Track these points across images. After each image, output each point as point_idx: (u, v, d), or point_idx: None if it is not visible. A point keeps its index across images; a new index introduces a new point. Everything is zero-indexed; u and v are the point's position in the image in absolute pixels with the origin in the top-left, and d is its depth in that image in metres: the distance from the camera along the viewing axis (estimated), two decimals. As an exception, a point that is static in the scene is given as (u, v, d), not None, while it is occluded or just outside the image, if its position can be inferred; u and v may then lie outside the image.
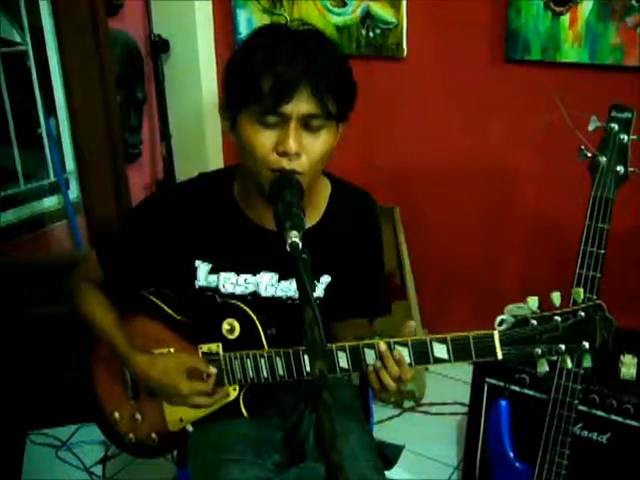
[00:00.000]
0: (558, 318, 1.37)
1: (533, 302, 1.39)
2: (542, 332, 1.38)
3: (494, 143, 2.94)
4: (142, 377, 1.70)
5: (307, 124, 1.45)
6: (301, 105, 1.42)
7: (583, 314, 1.36)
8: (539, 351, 1.39)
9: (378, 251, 1.82)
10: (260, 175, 1.47)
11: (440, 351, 1.45)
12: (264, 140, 1.45)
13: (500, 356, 1.41)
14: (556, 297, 1.37)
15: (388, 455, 1.79)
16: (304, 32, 1.50)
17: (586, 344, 1.37)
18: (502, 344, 1.40)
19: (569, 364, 1.40)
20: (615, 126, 1.71)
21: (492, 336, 1.41)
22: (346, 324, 1.77)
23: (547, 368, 1.41)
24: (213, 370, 1.65)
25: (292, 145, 1.42)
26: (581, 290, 1.39)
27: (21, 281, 2.80)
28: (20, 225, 3.22)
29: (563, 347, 1.38)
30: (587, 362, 1.40)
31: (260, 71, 1.41)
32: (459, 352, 1.43)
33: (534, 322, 1.38)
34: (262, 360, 1.61)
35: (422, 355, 1.47)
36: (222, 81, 1.53)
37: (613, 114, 1.71)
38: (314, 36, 1.49)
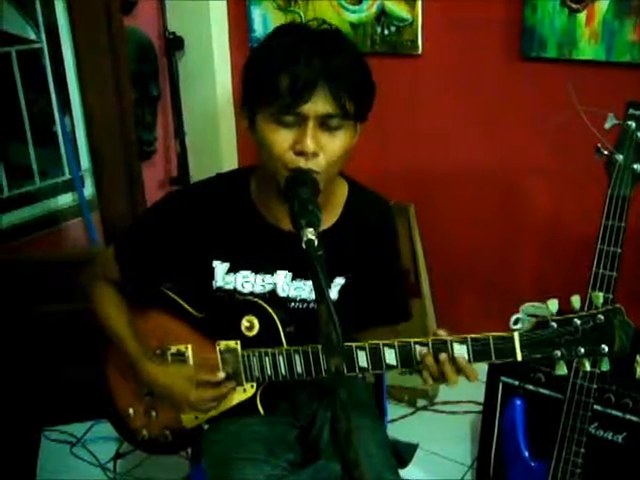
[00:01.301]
0: (578, 321, 1.36)
1: (553, 305, 1.38)
2: (562, 335, 1.37)
3: (510, 140, 2.92)
4: (150, 384, 1.72)
5: (325, 124, 1.45)
6: (318, 105, 1.42)
7: (602, 318, 1.35)
8: (558, 353, 1.38)
9: (394, 256, 1.82)
10: (277, 174, 1.48)
11: (460, 351, 1.44)
12: (281, 139, 1.45)
13: (520, 358, 1.40)
14: (576, 300, 1.37)
15: (402, 453, 1.79)
16: (323, 32, 1.50)
17: (605, 348, 1.36)
18: (522, 346, 1.39)
19: (587, 367, 1.39)
20: (632, 124, 1.70)
21: (512, 338, 1.40)
22: (372, 335, 1.74)
23: (565, 371, 1.40)
24: (221, 375, 1.66)
25: (309, 145, 1.43)
26: (600, 294, 1.38)
27: (36, 278, 2.81)
28: (35, 222, 3.23)
29: (582, 350, 1.37)
30: (605, 366, 1.39)
31: (278, 70, 1.41)
32: (479, 353, 1.43)
33: (554, 325, 1.37)
34: (281, 358, 1.60)
35: (442, 351, 1.45)
36: (240, 80, 1.53)
37: (630, 112, 1.70)
38: (333, 36, 1.49)
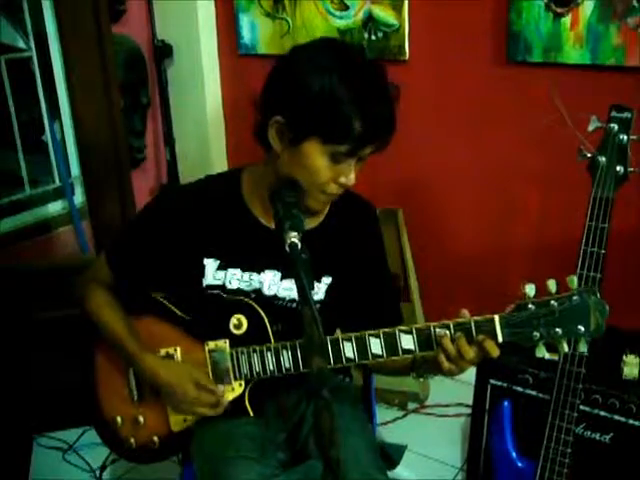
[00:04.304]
0: (555, 303, 1.42)
1: (531, 289, 1.44)
2: (540, 316, 1.43)
3: (496, 144, 2.94)
4: (151, 379, 1.71)
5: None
6: (373, 148, 1.52)
7: (577, 298, 1.41)
8: (537, 334, 1.43)
9: (380, 258, 1.83)
10: (310, 194, 1.55)
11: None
12: (328, 170, 1.52)
13: (500, 339, 1.45)
14: (552, 284, 1.42)
15: (391, 455, 1.80)
16: (379, 70, 1.54)
17: (581, 327, 1.42)
18: (502, 327, 1.45)
19: (565, 348, 1.44)
20: (615, 126, 1.71)
21: (493, 320, 1.45)
22: None
23: (545, 353, 1.45)
24: (220, 389, 1.67)
25: (353, 179, 1.54)
26: (575, 277, 1.43)
27: (27, 286, 2.82)
28: (26, 230, 3.25)
29: (560, 331, 1.42)
30: (582, 346, 1.45)
31: (351, 114, 1.45)
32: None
33: (532, 307, 1.43)
34: (269, 354, 1.63)
35: (427, 340, 1.51)
36: (278, 94, 1.54)
37: (613, 114, 1.72)
38: (382, 71, 1.54)
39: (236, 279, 1.71)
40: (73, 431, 2.91)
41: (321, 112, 1.46)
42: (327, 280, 1.74)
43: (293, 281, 1.68)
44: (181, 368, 1.71)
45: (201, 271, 1.71)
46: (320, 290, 1.73)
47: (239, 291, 1.71)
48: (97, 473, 2.74)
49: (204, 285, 1.72)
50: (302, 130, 1.50)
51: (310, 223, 1.62)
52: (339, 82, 1.45)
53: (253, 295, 1.71)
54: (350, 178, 1.54)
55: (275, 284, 1.72)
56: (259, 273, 1.71)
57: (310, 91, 1.47)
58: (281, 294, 1.73)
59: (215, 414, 1.69)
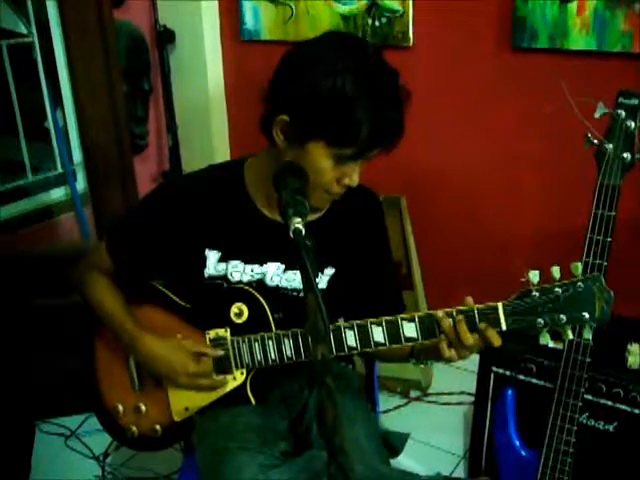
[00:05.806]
0: (559, 290, 1.41)
1: (534, 276, 1.42)
2: (544, 303, 1.41)
3: (501, 131, 2.93)
4: (150, 357, 1.71)
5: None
6: (379, 150, 1.51)
7: (582, 285, 1.40)
8: (541, 322, 1.42)
9: (384, 248, 1.82)
10: (313, 193, 1.52)
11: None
12: (332, 171, 1.51)
13: (504, 327, 1.44)
14: (556, 271, 1.41)
15: (393, 443, 1.79)
16: (390, 70, 1.51)
17: (586, 314, 1.40)
18: (506, 315, 1.44)
19: (570, 335, 1.43)
20: (622, 113, 1.69)
21: (496, 308, 1.44)
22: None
23: (549, 341, 1.44)
24: (220, 352, 1.67)
25: (357, 180, 1.53)
26: (579, 264, 1.42)
27: (28, 272, 2.81)
28: (28, 216, 3.24)
29: (564, 318, 1.41)
30: (587, 333, 1.44)
31: (361, 120, 1.43)
32: (465, 325, 1.46)
33: (536, 294, 1.42)
34: (270, 342, 1.62)
35: (430, 328, 1.50)
36: (286, 92, 1.50)
37: (620, 100, 1.70)
38: (396, 74, 1.52)
39: (238, 271, 1.69)
40: (75, 417, 2.91)
41: (329, 116, 1.44)
42: (330, 271, 1.73)
43: (297, 272, 1.69)
44: (178, 344, 1.70)
45: (202, 262, 1.69)
46: (322, 280, 1.72)
47: (240, 283, 1.70)
48: (100, 459, 2.74)
49: (206, 276, 1.70)
50: (308, 132, 1.48)
51: (313, 215, 1.60)
52: (351, 87, 1.42)
53: (255, 285, 1.70)
54: (354, 179, 1.53)
55: (278, 275, 1.71)
56: (261, 265, 1.70)
57: (319, 94, 1.43)
58: (283, 284, 1.72)
59: (216, 385, 1.69)
